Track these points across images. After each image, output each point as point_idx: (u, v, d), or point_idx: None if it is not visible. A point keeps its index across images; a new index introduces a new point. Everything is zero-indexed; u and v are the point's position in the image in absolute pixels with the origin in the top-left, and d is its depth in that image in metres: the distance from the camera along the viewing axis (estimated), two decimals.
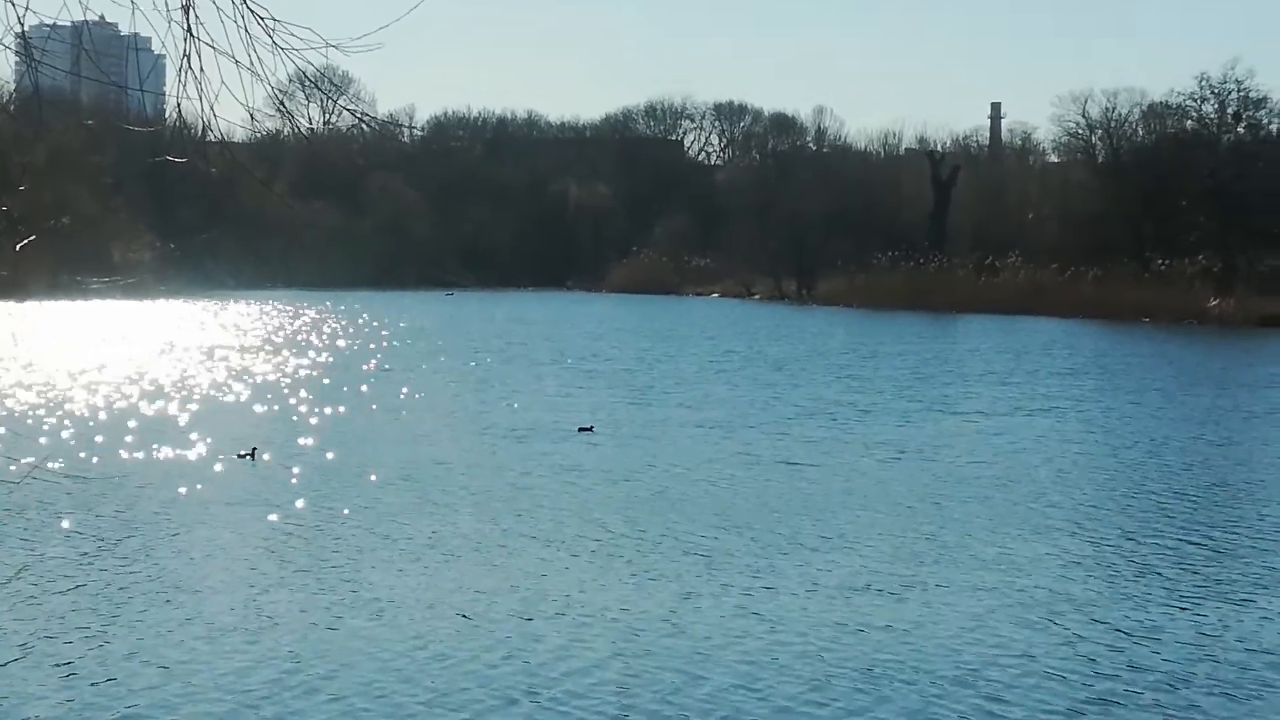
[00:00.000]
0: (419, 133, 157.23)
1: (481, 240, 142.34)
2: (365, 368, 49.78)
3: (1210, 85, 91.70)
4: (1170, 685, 14.17)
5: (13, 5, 8.30)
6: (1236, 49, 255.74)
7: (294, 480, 25.31)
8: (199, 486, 24.52)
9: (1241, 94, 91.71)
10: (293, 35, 8.33)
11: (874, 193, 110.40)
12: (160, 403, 37.29)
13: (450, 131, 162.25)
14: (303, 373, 47.57)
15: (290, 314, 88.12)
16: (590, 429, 32.54)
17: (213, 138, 9.29)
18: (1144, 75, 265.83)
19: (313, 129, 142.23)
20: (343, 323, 79.91)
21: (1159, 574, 18.92)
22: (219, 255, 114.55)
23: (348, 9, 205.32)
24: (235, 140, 9.86)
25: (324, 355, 55.31)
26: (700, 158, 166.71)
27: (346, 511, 22.43)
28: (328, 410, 36.44)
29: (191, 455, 28.25)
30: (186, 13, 8.23)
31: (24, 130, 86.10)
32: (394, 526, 21.24)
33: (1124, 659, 15.01)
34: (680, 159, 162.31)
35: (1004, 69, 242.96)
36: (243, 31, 8.25)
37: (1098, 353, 60.72)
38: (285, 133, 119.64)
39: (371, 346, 61.14)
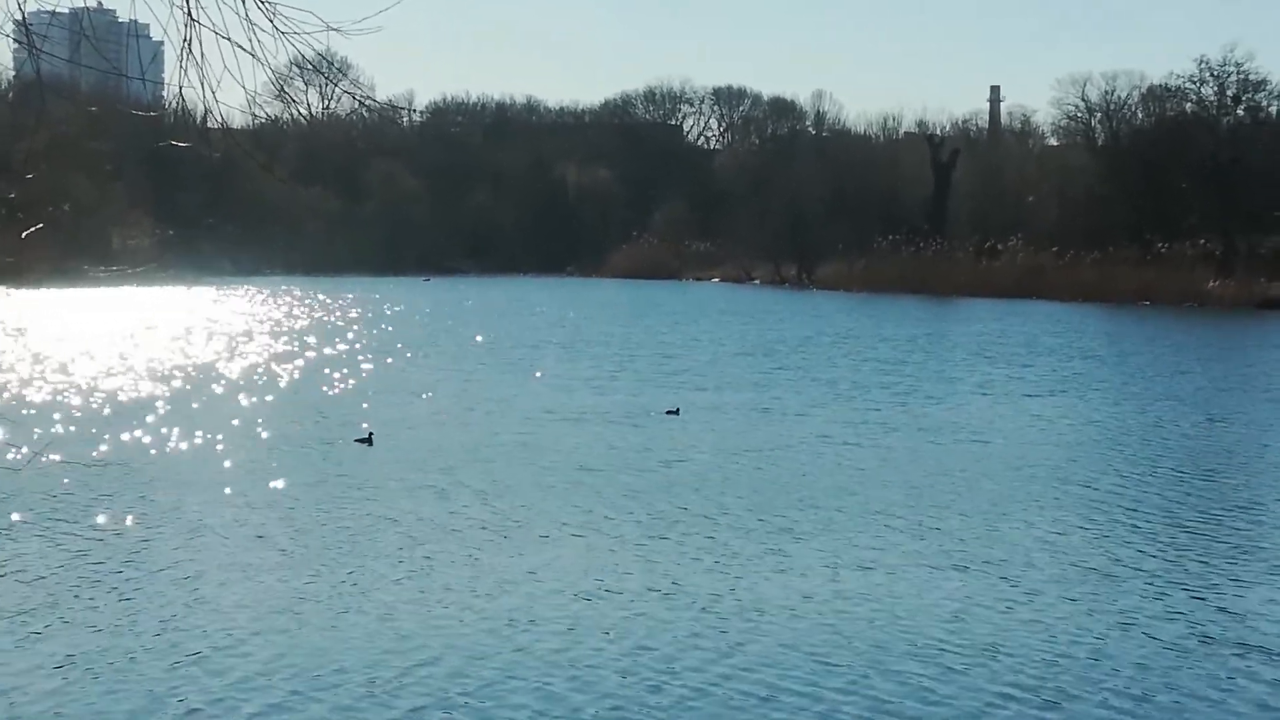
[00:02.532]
0: (419, 117, 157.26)
1: (481, 225, 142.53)
2: (396, 354, 50.06)
3: (1209, 68, 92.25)
4: (1253, 655, 14.67)
5: None
6: (1236, 31, 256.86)
7: (376, 464, 25.61)
8: (313, 469, 24.94)
9: (1241, 76, 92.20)
10: (291, 20, 8.41)
11: (873, 176, 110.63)
12: (222, 389, 37.66)
13: (450, 117, 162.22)
14: (326, 362, 47.86)
15: (299, 301, 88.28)
16: (676, 412, 33.04)
17: (214, 123, 9.27)
18: (1143, 58, 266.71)
19: (312, 114, 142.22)
20: (360, 310, 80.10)
21: (1236, 547, 19.41)
22: (219, 242, 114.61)
23: None
24: (234, 127, 9.94)
25: (350, 342, 55.56)
26: (699, 142, 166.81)
27: (441, 497, 22.55)
28: (368, 397, 36.80)
29: (306, 438, 28.83)
30: None
31: (24, 118, 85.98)
32: (491, 512, 21.46)
33: (1233, 636, 15.43)
34: (679, 143, 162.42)
35: (1003, 52, 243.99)
36: (243, 18, 8.30)
37: (1110, 336, 61.19)
38: (284, 119, 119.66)
39: (391, 330, 61.45)
